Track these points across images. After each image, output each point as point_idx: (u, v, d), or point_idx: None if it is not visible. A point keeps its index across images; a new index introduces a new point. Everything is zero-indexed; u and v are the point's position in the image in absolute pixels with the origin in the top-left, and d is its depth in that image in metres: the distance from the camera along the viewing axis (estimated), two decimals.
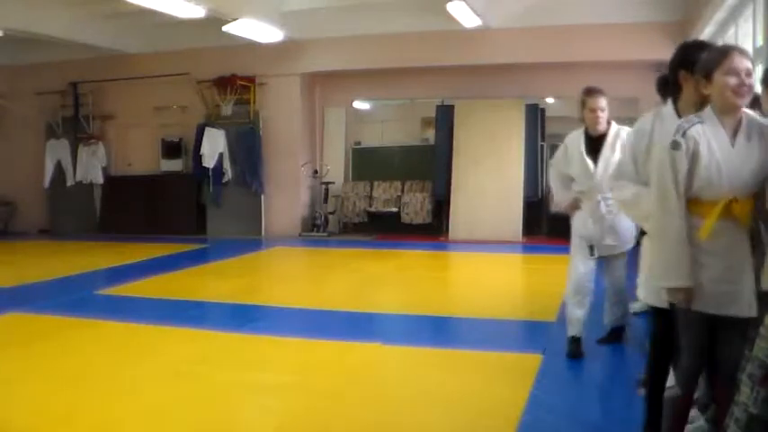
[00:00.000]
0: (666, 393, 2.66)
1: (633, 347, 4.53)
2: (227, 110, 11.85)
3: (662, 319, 2.69)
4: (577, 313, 4.36)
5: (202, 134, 11.65)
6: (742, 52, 2.43)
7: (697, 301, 2.43)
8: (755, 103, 2.64)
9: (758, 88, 2.69)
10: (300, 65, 11.60)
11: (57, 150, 12.54)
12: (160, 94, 12.08)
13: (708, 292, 2.42)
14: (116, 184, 12.49)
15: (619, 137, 4.19)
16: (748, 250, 2.41)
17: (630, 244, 4.38)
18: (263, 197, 11.89)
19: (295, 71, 11.66)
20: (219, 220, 11.92)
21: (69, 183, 12.48)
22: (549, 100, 11.79)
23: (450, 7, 9.06)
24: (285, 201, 11.83)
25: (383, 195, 11.92)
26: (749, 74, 2.39)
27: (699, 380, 2.67)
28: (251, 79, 11.70)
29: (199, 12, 8.90)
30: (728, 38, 7.34)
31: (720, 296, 2.41)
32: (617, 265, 4.51)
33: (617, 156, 3.97)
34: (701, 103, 2.51)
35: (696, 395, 2.73)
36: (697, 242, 2.42)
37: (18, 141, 12.83)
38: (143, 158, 12.42)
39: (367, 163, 12.34)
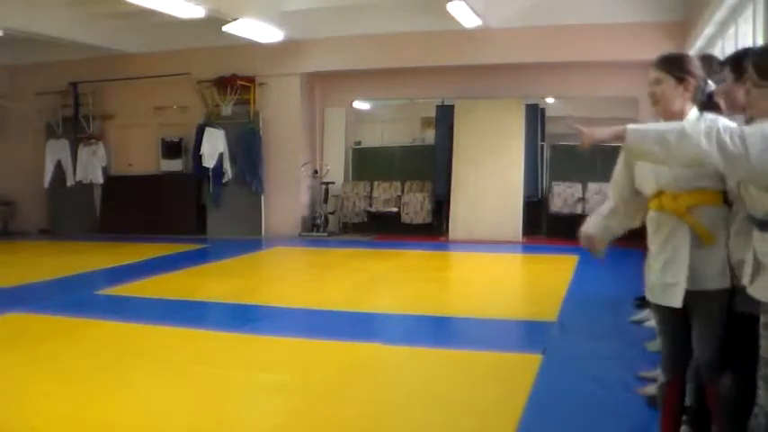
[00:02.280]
0: (658, 381, 2.71)
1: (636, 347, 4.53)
2: (227, 110, 11.85)
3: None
4: None
5: (202, 134, 11.65)
6: (654, 63, 2.57)
7: (647, 289, 2.63)
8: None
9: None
10: (300, 65, 11.60)
11: (57, 150, 12.54)
12: (160, 94, 12.09)
13: (652, 282, 2.58)
14: (116, 184, 12.49)
15: None
16: (686, 246, 2.47)
17: None
18: (263, 197, 11.89)
19: (295, 71, 11.66)
20: (219, 220, 11.92)
21: (69, 183, 12.48)
22: (549, 100, 11.79)
23: (450, 7, 9.05)
24: (285, 201, 11.83)
25: (383, 195, 11.91)
26: (655, 82, 2.53)
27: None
28: (251, 79, 11.70)
29: (199, 12, 8.89)
30: (728, 38, 7.34)
31: (661, 287, 2.54)
32: None
33: None
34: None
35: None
36: (649, 233, 2.63)
37: (18, 141, 12.84)
38: (143, 158, 12.42)
39: (367, 163, 12.34)
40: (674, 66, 2.53)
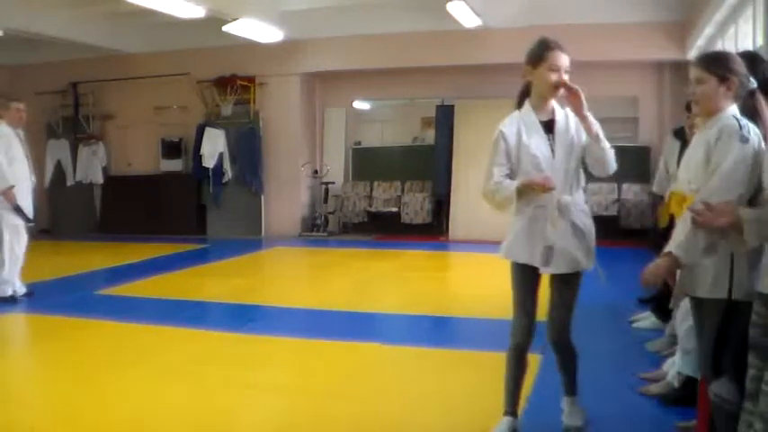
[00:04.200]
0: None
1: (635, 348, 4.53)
2: (227, 110, 11.85)
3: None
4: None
5: (202, 134, 11.65)
6: (695, 62, 2.54)
7: None
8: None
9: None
10: (300, 65, 11.60)
11: (57, 150, 12.54)
12: (160, 94, 12.09)
13: None
14: (116, 184, 12.49)
15: None
16: None
17: None
18: (263, 197, 11.89)
19: (295, 71, 11.66)
20: (219, 220, 11.93)
21: (69, 183, 12.49)
22: None
23: (450, 7, 9.05)
24: (285, 201, 11.83)
25: (383, 195, 11.92)
26: (696, 82, 2.50)
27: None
28: (251, 79, 11.70)
29: (199, 12, 8.89)
30: (728, 38, 7.34)
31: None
32: None
33: None
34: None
35: None
36: None
37: None
38: (143, 158, 12.43)
39: (367, 163, 12.33)
40: (717, 64, 2.46)
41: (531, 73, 2.98)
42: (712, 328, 2.42)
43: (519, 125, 2.95)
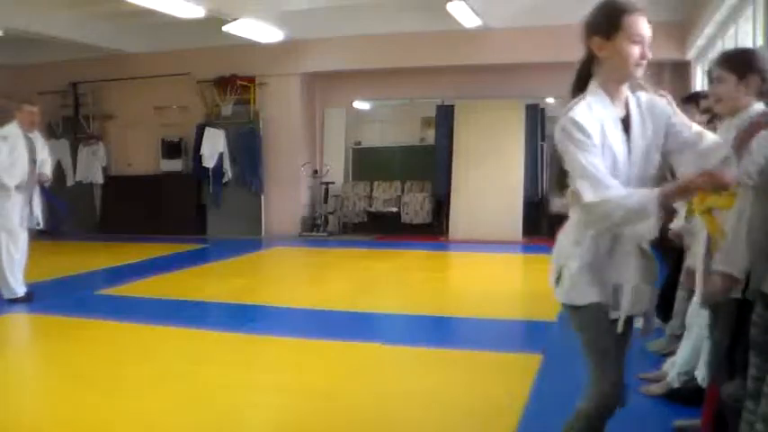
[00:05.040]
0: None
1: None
2: (227, 110, 11.85)
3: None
4: None
5: (202, 134, 11.66)
6: (715, 62, 2.50)
7: None
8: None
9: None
10: (300, 65, 11.60)
11: (57, 150, 12.49)
12: (160, 94, 12.09)
13: None
14: (116, 184, 12.49)
15: None
16: (702, 247, 2.57)
17: None
18: (262, 197, 11.89)
19: (295, 71, 11.67)
20: (219, 220, 11.93)
21: (69, 183, 12.48)
22: (549, 100, 11.78)
23: (450, 7, 9.05)
24: (285, 201, 11.83)
25: (383, 195, 11.92)
26: (716, 81, 2.49)
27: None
28: (251, 79, 11.70)
29: (199, 12, 8.90)
30: (728, 38, 7.34)
31: None
32: None
33: None
34: None
35: None
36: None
37: None
38: (143, 158, 12.42)
39: (367, 163, 12.34)
40: (736, 62, 2.45)
41: (603, 47, 2.04)
42: (727, 328, 2.41)
43: (600, 120, 2.05)
